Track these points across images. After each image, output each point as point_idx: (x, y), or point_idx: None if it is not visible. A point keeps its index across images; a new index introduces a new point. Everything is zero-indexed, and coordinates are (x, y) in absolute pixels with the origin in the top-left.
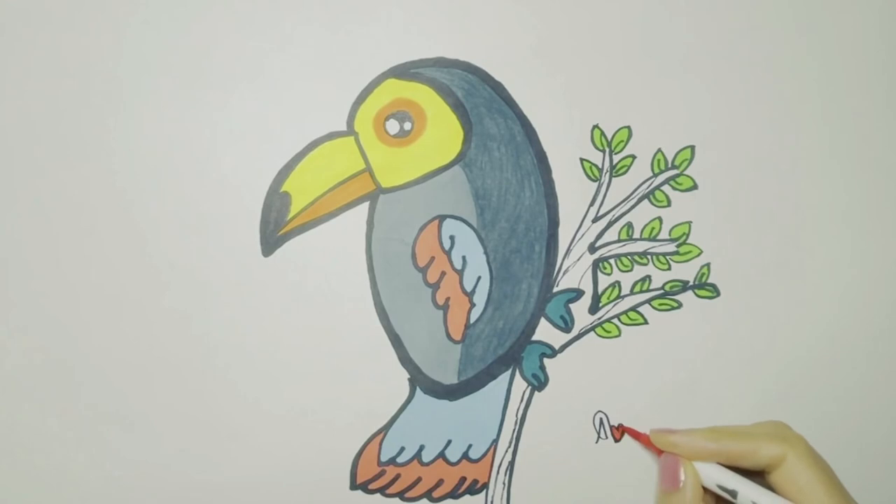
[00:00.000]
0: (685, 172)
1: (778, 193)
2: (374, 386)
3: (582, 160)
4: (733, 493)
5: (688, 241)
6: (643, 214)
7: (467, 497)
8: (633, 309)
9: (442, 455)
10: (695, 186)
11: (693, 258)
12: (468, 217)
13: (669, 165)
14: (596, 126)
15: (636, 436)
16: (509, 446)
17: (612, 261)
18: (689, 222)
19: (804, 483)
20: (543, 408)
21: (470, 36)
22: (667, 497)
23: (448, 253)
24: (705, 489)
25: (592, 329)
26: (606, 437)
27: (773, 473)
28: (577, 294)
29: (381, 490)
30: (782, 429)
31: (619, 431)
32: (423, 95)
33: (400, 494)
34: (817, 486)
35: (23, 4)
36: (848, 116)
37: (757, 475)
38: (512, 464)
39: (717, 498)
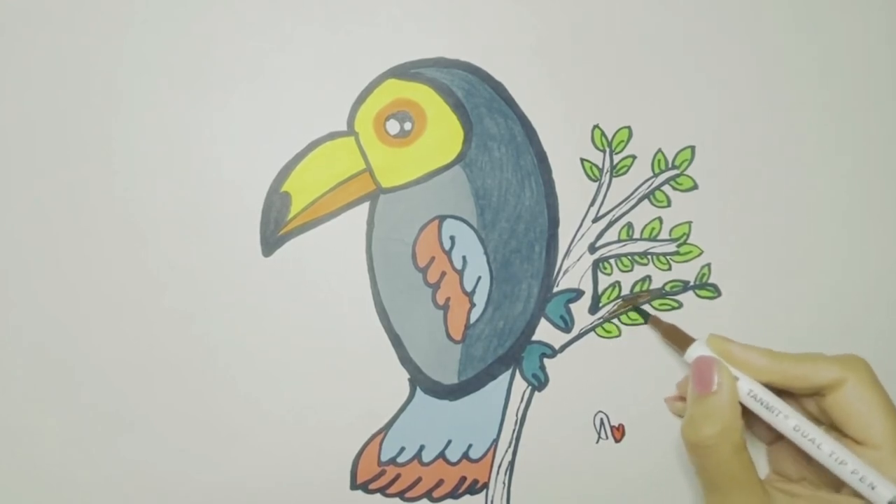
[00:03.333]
0: (685, 172)
1: (778, 193)
2: (374, 386)
3: (582, 160)
4: (767, 405)
5: (688, 242)
6: (643, 214)
7: (467, 497)
8: (634, 309)
9: (442, 455)
10: (695, 186)
11: (693, 258)
12: (468, 217)
13: (670, 165)
14: (596, 126)
15: (658, 325)
16: (509, 446)
17: (612, 261)
18: (690, 222)
19: (863, 406)
20: (543, 408)
21: (470, 36)
22: (701, 402)
23: (448, 253)
24: None
25: (592, 329)
26: (606, 437)
27: (829, 396)
28: (578, 294)
29: (382, 490)
30: (839, 355)
31: (658, 322)
32: (423, 95)
33: (400, 494)
34: (877, 408)
35: (23, 4)
36: (848, 116)
37: (807, 398)
38: (512, 464)
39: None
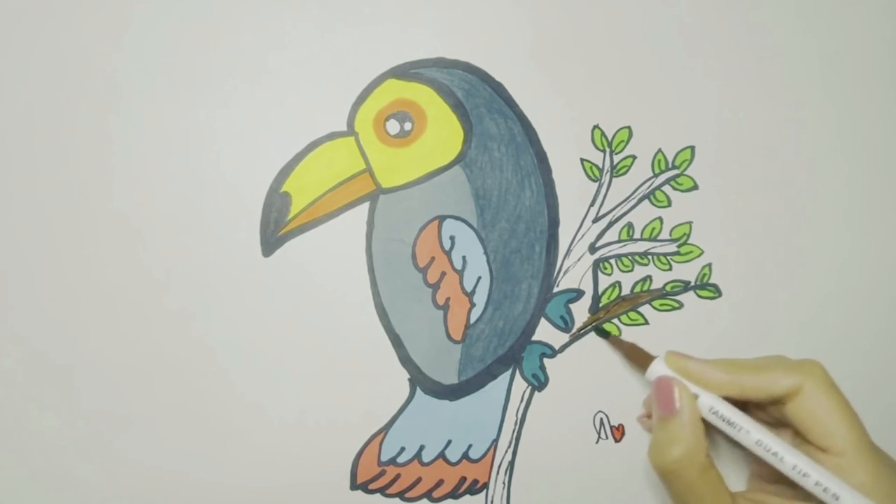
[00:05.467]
0: (685, 173)
1: (778, 193)
2: (375, 386)
3: (582, 160)
4: (728, 421)
5: (689, 242)
6: (643, 215)
7: (467, 497)
8: (634, 309)
9: (442, 455)
10: (695, 187)
11: (694, 258)
12: (468, 217)
13: (670, 165)
14: (596, 126)
15: (619, 345)
16: (509, 446)
17: (612, 261)
18: (690, 222)
19: (822, 413)
20: (543, 408)
21: (470, 36)
22: (663, 424)
23: (448, 253)
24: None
25: (593, 329)
26: (606, 437)
27: (789, 405)
28: (578, 294)
29: (382, 490)
30: (793, 360)
31: (618, 342)
32: (423, 96)
33: (400, 494)
34: (836, 415)
35: (23, 3)
36: (849, 116)
37: (772, 406)
38: (512, 464)
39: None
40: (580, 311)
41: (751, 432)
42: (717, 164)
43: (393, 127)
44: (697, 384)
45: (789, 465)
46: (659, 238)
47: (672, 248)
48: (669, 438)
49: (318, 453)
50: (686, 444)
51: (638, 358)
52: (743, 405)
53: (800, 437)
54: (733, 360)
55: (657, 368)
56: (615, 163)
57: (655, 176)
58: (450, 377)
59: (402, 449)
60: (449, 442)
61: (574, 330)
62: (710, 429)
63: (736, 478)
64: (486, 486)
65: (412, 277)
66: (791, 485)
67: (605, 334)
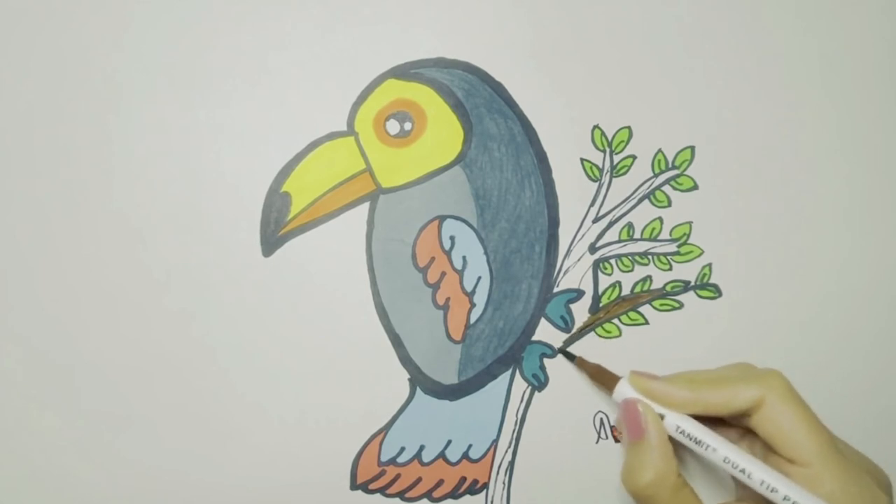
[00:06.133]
0: (685, 173)
1: (778, 193)
2: (375, 386)
3: (582, 160)
4: (695, 440)
5: (689, 242)
6: (644, 215)
7: (467, 497)
8: (634, 309)
9: (442, 455)
10: (695, 187)
11: (694, 258)
12: (468, 217)
13: (670, 166)
14: (596, 126)
15: (584, 366)
16: (509, 446)
17: (612, 261)
18: (690, 222)
19: (785, 424)
20: (543, 408)
21: (470, 36)
22: (633, 449)
23: (448, 253)
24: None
25: (592, 329)
26: (606, 437)
27: (753, 417)
28: (578, 294)
29: (382, 490)
30: (755, 370)
31: (584, 364)
32: (423, 96)
33: (400, 494)
34: (799, 426)
35: (23, 4)
36: (849, 116)
37: (737, 419)
38: (512, 464)
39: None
40: (580, 311)
41: (718, 450)
42: (717, 164)
43: (393, 127)
44: (662, 405)
45: (757, 481)
46: (659, 238)
47: (672, 248)
48: (640, 463)
49: (318, 453)
50: (656, 467)
51: (604, 380)
52: (712, 419)
53: (768, 449)
54: (696, 375)
55: (623, 390)
56: (615, 163)
57: (655, 176)
58: (450, 377)
59: (402, 449)
60: (449, 442)
61: (574, 331)
62: (680, 446)
63: (714, 491)
64: (486, 486)
65: (412, 277)
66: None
67: (570, 357)
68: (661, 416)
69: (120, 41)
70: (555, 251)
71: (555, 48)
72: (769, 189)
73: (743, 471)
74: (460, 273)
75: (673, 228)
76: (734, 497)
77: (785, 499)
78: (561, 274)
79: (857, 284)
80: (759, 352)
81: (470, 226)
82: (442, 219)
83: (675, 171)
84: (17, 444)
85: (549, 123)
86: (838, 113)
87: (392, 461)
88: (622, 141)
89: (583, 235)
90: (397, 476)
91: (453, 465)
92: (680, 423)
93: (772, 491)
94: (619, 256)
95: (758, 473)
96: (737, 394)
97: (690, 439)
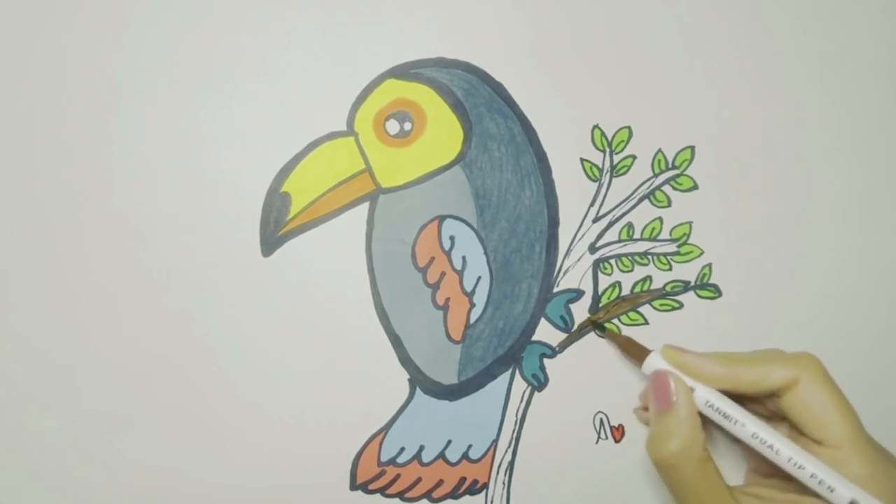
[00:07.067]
0: (685, 172)
1: (778, 193)
2: (374, 386)
3: (582, 160)
4: (724, 414)
5: (689, 242)
6: (643, 215)
7: (467, 497)
8: (634, 309)
9: (442, 455)
10: (695, 187)
11: (694, 258)
12: (468, 217)
13: (670, 165)
14: (596, 126)
15: (615, 339)
16: (509, 446)
17: (612, 261)
18: (690, 222)
19: (818, 406)
20: (543, 408)
21: (470, 36)
22: (660, 418)
23: (448, 253)
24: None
25: (592, 329)
26: (606, 438)
27: (784, 398)
28: (578, 294)
29: (381, 490)
30: (788, 352)
31: (614, 336)
32: (423, 95)
33: (400, 495)
34: (832, 408)
35: (23, 4)
36: (849, 116)
37: (768, 400)
38: (512, 464)
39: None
40: (580, 311)
41: (746, 425)
42: (717, 164)
43: (393, 127)
44: (694, 378)
45: (785, 458)
46: (659, 238)
47: (672, 248)
48: (667, 432)
49: (318, 453)
50: (683, 437)
51: (634, 352)
52: (739, 398)
53: (796, 431)
54: (729, 354)
55: (653, 362)
56: (615, 163)
57: (655, 176)
58: (450, 377)
59: (402, 449)
60: (449, 442)
61: (573, 329)
62: (707, 423)
63: (733, 472)
64: (485, 486)
65: (412, 277)
66: (787, 478)
67: (601, 329)
68: (692, 390)
69: (120, 41)
70: (555, 251)
71: (555, 48)
72: (769, 189)
73: (771, 447)
74: (460, 273)
75: (673, 228)
76: (743, 482)
77: (812, 476)
78: (561, 274)
79: (857, 284)
80: None
81: (470, 226)
82: (442, 219)
83: (675, 171)
84: (17, 444)
85: (549, 123)
86: (838, 113)
87: (392, 461)
88: (622, 141)
89: (583, 235)
90: (397, 476)
91: (453, 465)
92: (710, 398)
93: (799, 468)
94: (618, 256)
95: (785, 450)
96: (770, 372)
97: (719, 413)
